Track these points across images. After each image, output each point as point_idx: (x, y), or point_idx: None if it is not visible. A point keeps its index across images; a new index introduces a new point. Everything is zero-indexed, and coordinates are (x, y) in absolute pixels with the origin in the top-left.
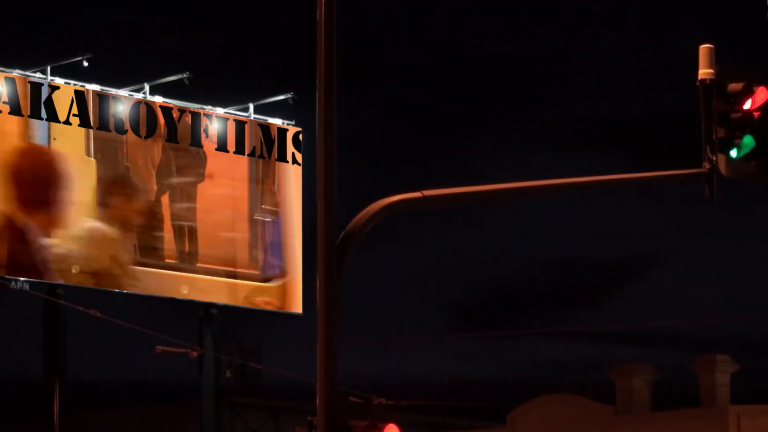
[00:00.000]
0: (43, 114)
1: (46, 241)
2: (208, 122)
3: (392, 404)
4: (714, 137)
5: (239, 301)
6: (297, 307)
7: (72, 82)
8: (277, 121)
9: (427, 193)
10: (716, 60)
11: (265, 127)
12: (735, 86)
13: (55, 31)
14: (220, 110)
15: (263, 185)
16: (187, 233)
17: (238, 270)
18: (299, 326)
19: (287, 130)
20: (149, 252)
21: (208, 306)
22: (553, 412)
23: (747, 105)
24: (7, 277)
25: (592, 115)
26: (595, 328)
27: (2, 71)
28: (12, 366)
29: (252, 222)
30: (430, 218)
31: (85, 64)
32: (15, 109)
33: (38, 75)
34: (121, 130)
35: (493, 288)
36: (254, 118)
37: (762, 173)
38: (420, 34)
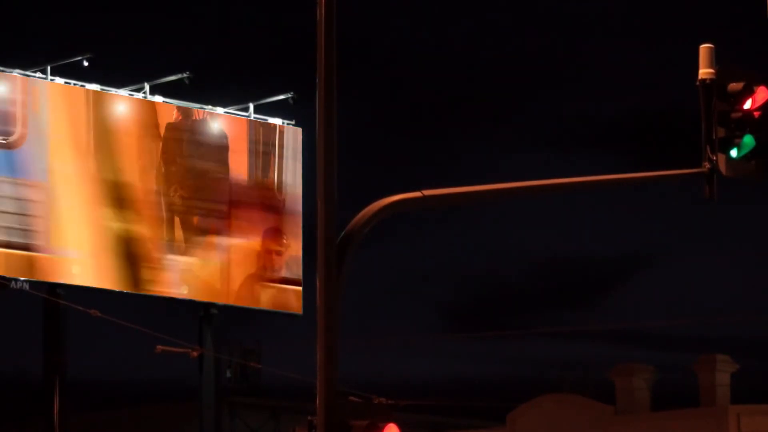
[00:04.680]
0: (43, 114)
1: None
2: (208, 122)
3: (392, 404)
4: (714, 137)
5: (239, 301)
6: (297, 307)
7: (72, 82)
8: (277, 121)
9: (427, 192)
10: (716, 60)
11: (265, 127)
12: (735, 86)
13: (55, 31)
14: (220, 110)
15: (263, 185)
16: (186, 233)
17: (238, 269)
18: (299, 326)
19: (287, 130)
20: (149, 252)
21: (208, 306)
22: (553, 412)
23: (747, 105)
24: (7, 277)
25: (592, 115)
26: (595, 328)
27: (2, 71)
28: (12, 366)
29: (252, 222)
30: (429, 217)
31: (85, 64)
32: (14, 109)
33: (38, 75)
34: (121, 130)
35: (493, 288)
36: (254, 118)
37: (762, 173)
38: (420, 34)
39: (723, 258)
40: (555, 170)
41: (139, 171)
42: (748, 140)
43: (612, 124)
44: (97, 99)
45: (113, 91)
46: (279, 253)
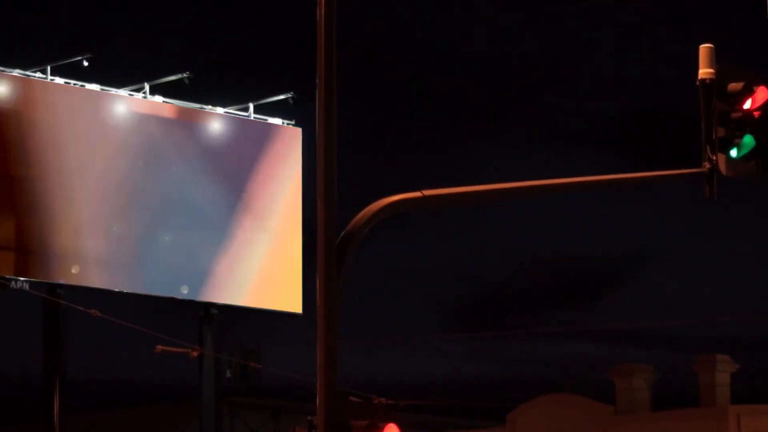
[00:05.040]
0: (43, 114)
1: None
2: (208, 122)
3: (392, 404)
4: (714, 137)
5: (239, 301)
6: (297, 307)
7: (72, 82)
8: (277, 121)
9: (427, 192)
10: (716, 60)
11: (265, 127)
12: (735, 86)
13: (55, 31)
14: (220, 110)
15: (263, 185)
16: (186, 231)
17: (237, 269)
18: (299, 326)
19: (287, 130)
20: (148, 251)
21: (208, 306)
22: (553, 412)
23: (747, 105)
24: (7, 276)
25: (591, 115)
26: (595, 328)
27: (2, 71)
28: (12, 366)
29: (251, 222)
30: (429, 217)
31: (85, 64)
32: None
33: (38, 75)
34: (121, 129)
35: (493, 288)
36: (254, 118)
37: (762, 173)
38: (419, 34)
39: (723, 258)
40: (555, 170)
41: (138, 170)
42: (748, 140)
43: (612, 125)
44: (97, 99)
45: (113, 91)
46: (278, 253)
